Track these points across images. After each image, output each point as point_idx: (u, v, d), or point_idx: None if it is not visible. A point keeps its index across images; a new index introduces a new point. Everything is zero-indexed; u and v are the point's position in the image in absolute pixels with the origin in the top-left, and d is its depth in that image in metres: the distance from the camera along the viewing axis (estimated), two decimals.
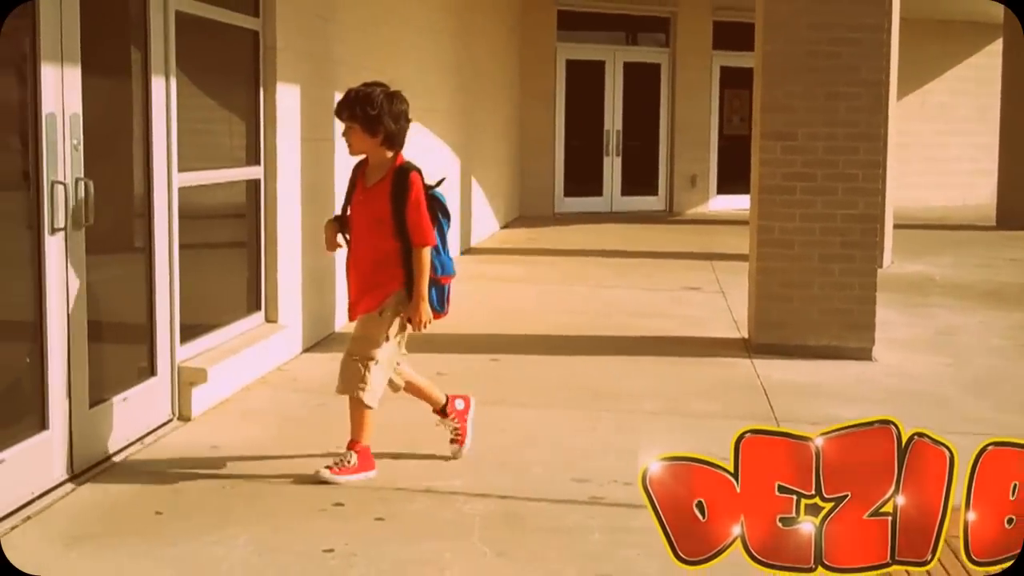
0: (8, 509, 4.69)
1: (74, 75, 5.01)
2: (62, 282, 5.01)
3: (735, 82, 21.16)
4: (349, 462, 5.31)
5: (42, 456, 4.94)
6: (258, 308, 7.50)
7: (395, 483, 5.31)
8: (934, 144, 23.03)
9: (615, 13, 20.62)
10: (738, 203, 20.00)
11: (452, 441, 5.74)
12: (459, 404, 5.81)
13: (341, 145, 8.59)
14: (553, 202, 20.34)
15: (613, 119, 20.80)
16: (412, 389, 5.74)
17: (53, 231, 4.92)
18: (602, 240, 16.33)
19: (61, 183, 4.92)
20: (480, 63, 15.39)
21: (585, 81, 20.55)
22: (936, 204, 22.19)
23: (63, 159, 4.95)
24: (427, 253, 5.27)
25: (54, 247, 4.94)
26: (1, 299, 4.94)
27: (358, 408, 5.36)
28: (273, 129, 7.43)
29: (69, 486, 5.07)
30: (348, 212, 5.51)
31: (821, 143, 8.15)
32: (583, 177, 20.74)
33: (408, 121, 5.40)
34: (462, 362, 7.92)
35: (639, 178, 21.18)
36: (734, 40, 20.35)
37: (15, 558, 4.28)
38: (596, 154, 20.81)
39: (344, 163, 8.72)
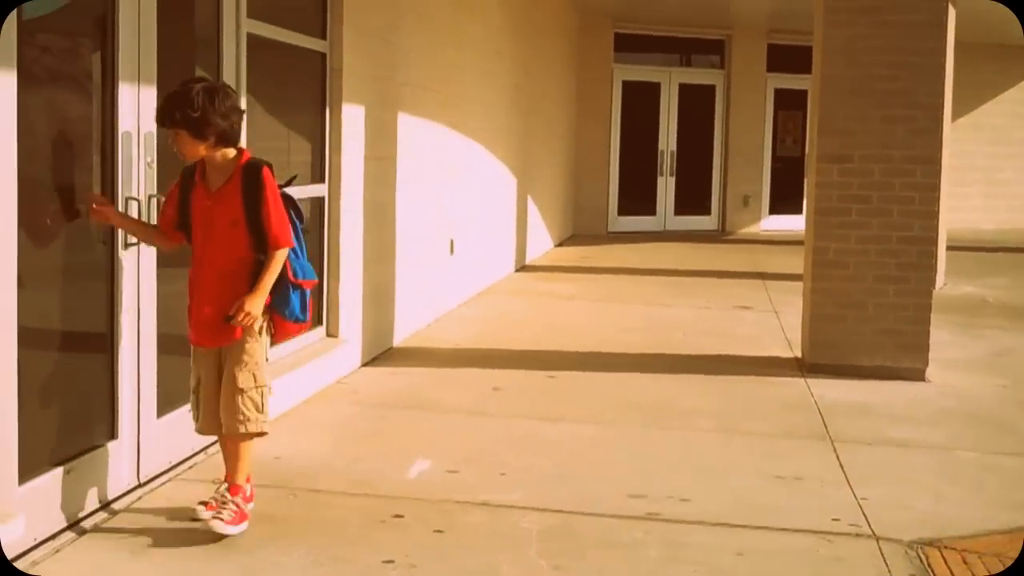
0: (77, 516, 4.83)
1: (150, 95, 5.16)
2: (133, 295, 5.15)
3: (789, 104, 21.17)
4: (237, 507, 4.83)
5: (111, 464, 5.07)
6: (320, 322, 7.64)
7: (453, 496, 5.39)
8: (988, 166, 22.88)
9: (671, 36, 20.70)
10: (790, 223, 20.01)
11: (205, 505, 4.95)
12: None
13: (404, 164, 8.85)
14: (607, 221, 20.42)
15: (667, 139, 20.86)
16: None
17: (126, 246, 5.06)
18: (655, 259, 16.38)
19: (135, 199, 5.07)
20: (538, 84, 15.50)
21: (641, 102, 20.62)
22: (989, 226, 22.05)
23: (137, 176, 5.10)
24: (284, 255, 4.75)
25: (127, 261, 5.09)
26: (75, 311, 5.08)
27: (244, 441, 4.89)
28: (338, 148, 7.58)
29: (136, 494, 5.20)
30: (187, 218, 4.87)
31: (877, 165, 8.19)
32: (637, 196, 20.82)
33: (241, 114, 4.80)
34: (519, 377, 8.01)
35: (692, 198, 21.21)
36: (788, 63, 20.38)
37: (83, 565, 4.43)
38: (650, 174, 20.88)
39: (405, 180, 8.90)
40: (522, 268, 14.61)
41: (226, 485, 4.91)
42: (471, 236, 11.51)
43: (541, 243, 16.27)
